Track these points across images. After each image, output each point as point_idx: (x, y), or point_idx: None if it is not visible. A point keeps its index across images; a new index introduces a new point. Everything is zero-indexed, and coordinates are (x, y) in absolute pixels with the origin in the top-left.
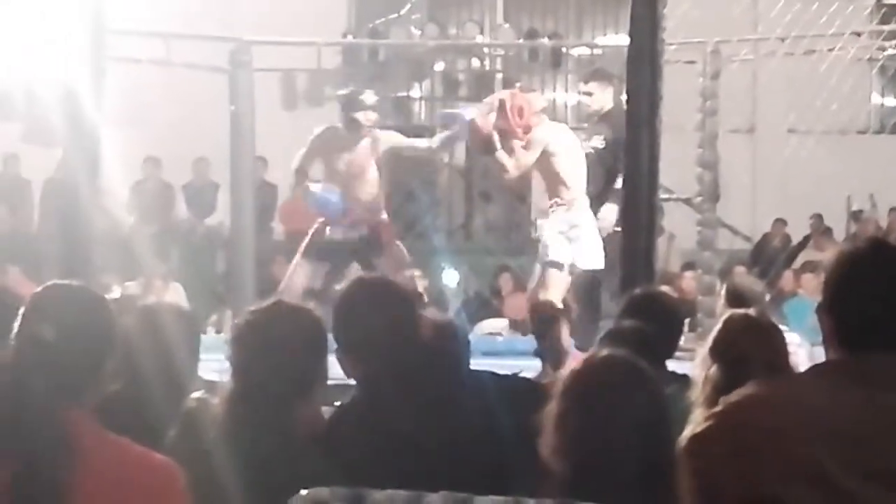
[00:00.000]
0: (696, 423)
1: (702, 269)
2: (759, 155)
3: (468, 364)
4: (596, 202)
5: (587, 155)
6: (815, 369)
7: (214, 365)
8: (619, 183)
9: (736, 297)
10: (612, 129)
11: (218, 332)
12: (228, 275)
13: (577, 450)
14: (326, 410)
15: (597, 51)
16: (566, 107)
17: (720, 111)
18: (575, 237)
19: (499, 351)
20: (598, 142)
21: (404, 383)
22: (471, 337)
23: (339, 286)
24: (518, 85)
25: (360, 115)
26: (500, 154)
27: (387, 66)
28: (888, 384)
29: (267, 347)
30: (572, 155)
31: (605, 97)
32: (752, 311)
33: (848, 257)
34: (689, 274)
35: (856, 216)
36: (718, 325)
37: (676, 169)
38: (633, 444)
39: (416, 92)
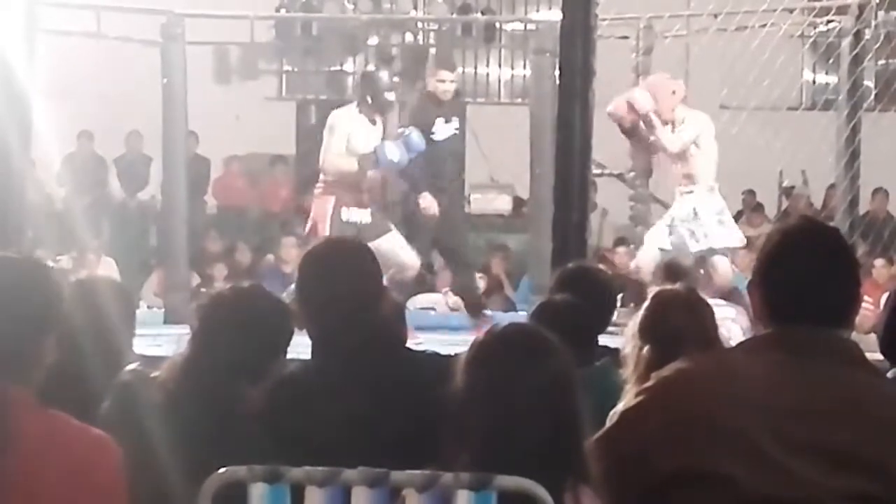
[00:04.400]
0: (627, 398)
1: (634, 244)
2: None
3: (406, 339)
4: None
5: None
6: (745, 343)
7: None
8: None
9: (669, 273)
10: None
11: (149, 306)
12: (160, 249)
13: (481, 421)
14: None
15: (530, 26)
16: (499, 81)
17: None
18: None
19: (433, 325)
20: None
21: (356, 355)
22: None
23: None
24: (659, 73)
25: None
26: (660, 129)
27: (320, 41)
28: (817, 357)
29: (234, 326)
30: (713, 147)
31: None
32: (680, 287)
33: (778, 235)
34: (621, 249)
35: (787, 192)
36: (648, 302)
37: (609, 144)
38: (537, 414)
39: (349, 66)
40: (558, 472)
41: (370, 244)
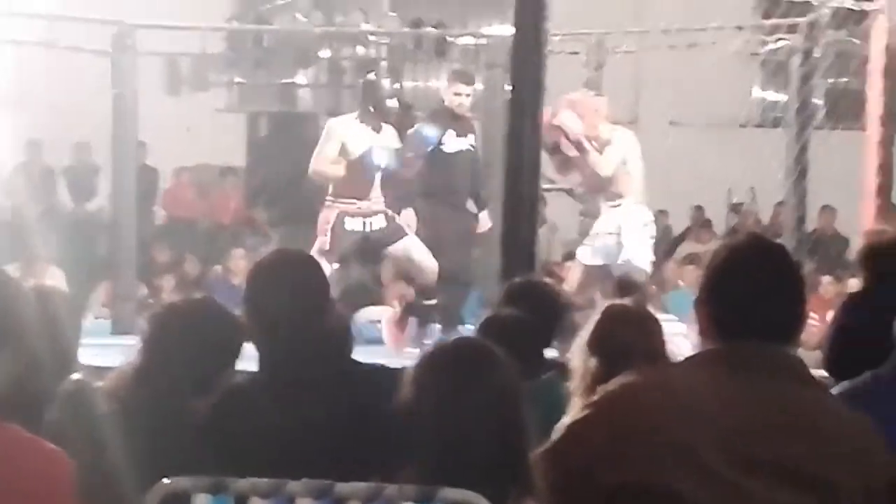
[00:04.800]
0: (574, 412)
1: None
2: (642, 147)
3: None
4: None
5: (460, 153)
6: (692, 359)
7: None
8: None
9: (621, 288)
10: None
11: (96, 317)
12: (109, 259)
13: (427, 433)
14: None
15: (481, 40)
16: None
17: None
18: (649, 236)
19: (381, 338)
20: (473, 141)
21: (302, 367)
22: (353, 324)
23: None
24: (580, 91)
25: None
26: (594, 154)
27: (272, 53)
28: (763, 373)
29: (185, 337)
30: (639, 161)
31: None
32: (629, 302)
33: (725, 251)
34: (569, 264)
35: (736, 209)
36: (596, 316)
37: None
38: (482, 427)
39: (301, 79)
40: (503, 484)
41: (388, 249)
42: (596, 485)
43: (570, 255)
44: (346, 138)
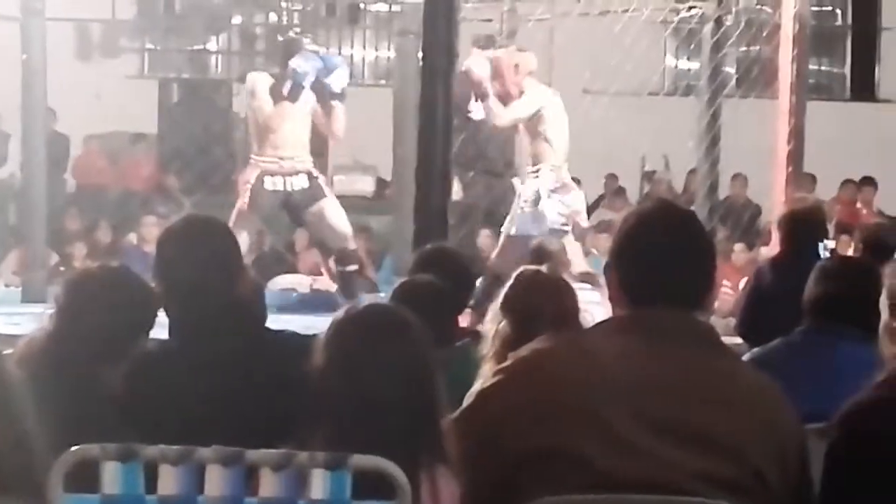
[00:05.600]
0: (484, 377)
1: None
2: None
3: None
4: None
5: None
6: (601, 325)
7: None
8: None
9: (536, 255)
10: None
11: (6, 285)
12: (19, 227)
13: (337, 399)
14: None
15: (395, 7)
16: (363, 63)
17: None
18: (570, 204)
19: (294, 306)
20: None
21: (214, 335)
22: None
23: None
24: (514, 46)
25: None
26: (492, 100)
27: (183, 19)
28: (672, 339)
29: (98, 304)
30: (562, 123)
31: None
32: (542, 268)
33: (634, 217)
34: (485, 231)
35: (649, 176)
36: (510, 280)
37: None
38: (393, 393)
39: (212, 45)
40: (414, 451)
41: (307, 210)
42: (506, 450)
43: (485, 224)
44: (271, 85)
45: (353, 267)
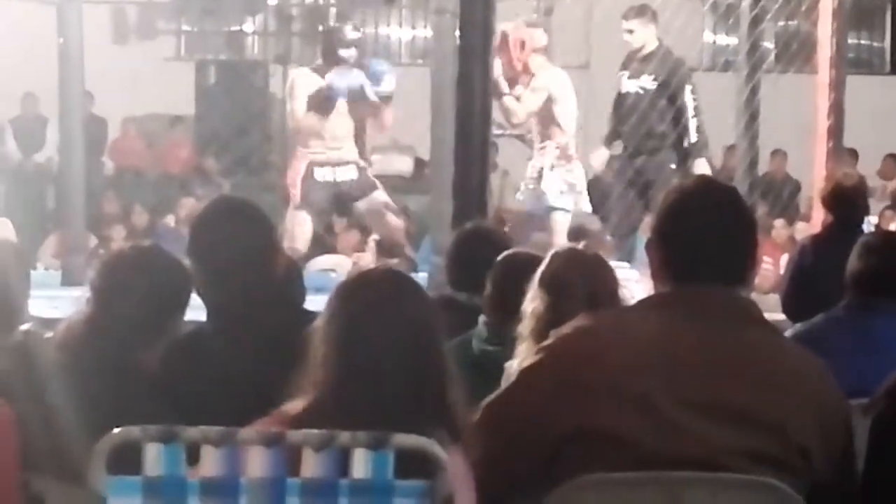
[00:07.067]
0: (525, 355)
1: None
2: (593, 91)
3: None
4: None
5: (628, 94)
6: (643, 302)
7: (44, 301)
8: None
9: (574, 235)
10: (662, 68)
11: (46, 268)
12: (58, 210)
13: (341, 363)
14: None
15: None
16: (400, 43)
17: (554, 47)
18: (571, 181)
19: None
20: (648, 82)
21: (251, 317)
22: (305, 274)
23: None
24: (521, 19)
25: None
26: (509, 99)
27: (219, 0)
28: (714, 316)
29: (133, 286)
30: (570, 101)
31: (647, 34)
32: (579, 245)
33: (676, 194)
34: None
35: None
36: (548, 258)
37: None
38: (393, 358)
39: (248, 26)
40: (420, 424)
41: (356, 204)
42: (549, 429)
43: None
44: (311, 89)
45: (395, 261)
